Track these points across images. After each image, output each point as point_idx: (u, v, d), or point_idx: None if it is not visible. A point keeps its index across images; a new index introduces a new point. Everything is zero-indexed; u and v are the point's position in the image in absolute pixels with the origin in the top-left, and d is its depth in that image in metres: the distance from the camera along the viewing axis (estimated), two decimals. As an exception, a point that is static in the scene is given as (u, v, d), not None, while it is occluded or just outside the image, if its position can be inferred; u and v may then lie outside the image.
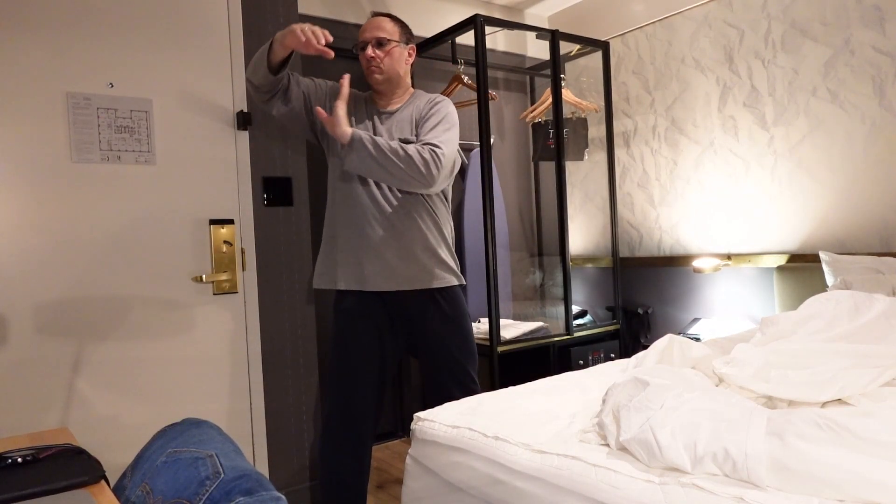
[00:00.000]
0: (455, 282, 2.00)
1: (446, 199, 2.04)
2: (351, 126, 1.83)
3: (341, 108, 1.78)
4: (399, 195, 1.92)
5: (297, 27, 1.72)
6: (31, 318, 1.84)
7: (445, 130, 1.90)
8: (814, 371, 1.43)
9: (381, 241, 1.90)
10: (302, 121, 1.95)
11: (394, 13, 2.05)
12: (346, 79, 1.84)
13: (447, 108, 1.96)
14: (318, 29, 1.74)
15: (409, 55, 2.02)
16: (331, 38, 1.76)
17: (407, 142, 1.88)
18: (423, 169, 1.79)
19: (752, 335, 2.06)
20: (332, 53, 1.77)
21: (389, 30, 1.95)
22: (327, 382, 1.99)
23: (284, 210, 2.29)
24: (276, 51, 1.80)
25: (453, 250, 2.03)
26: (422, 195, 1.94)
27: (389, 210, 1.91)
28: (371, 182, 1.91)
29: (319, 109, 1.78)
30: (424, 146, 1.82)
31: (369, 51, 1.93)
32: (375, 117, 1.97)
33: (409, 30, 2.03)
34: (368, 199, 1.91)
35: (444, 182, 1.91)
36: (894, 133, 2.49)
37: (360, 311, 1.95)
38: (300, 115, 1.93)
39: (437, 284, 1.96)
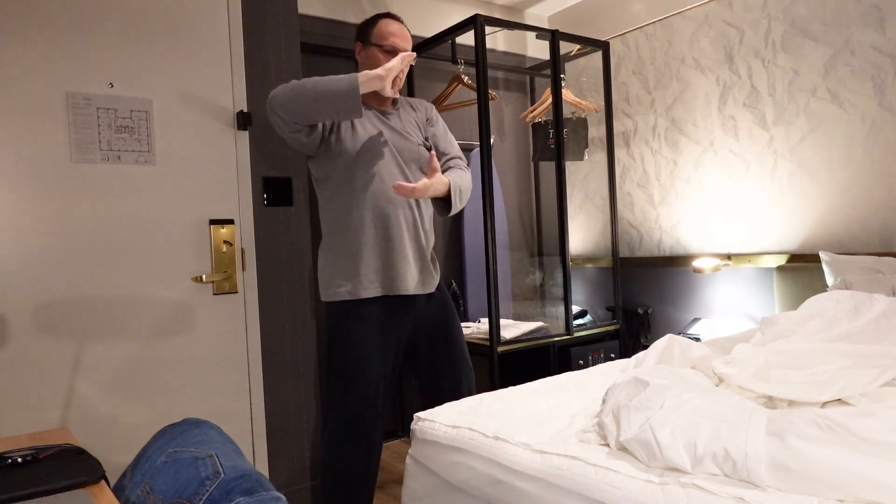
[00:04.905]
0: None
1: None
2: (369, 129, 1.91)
3: (436, 173, 1.84)
4: (422, 202, 1.99)
5: (385, 74, 1.72)
6: (31, 318, 1.84)
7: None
8: (814, 371, 1.43)
9: (411, 247, 1.94)
10: (315, 142, 1.88)
11: (394, 13, 2.06)
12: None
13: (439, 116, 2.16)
14: (398, 62, 1.75)
15: None
16: (413, 56, 1.82)
17: (427, 147, 2.04)
18: (471, 180, 2.04)
19: (752, 335, 2.06)
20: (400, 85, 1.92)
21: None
22: (334, 388, 1.91)
23: (284, 210, 2.29)
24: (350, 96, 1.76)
25: None
26: (425, 201, 2.02)
27: (416, 216, 1.97)
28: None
29: (401, 185, 1.74)
30: (460, 162, 2.08)
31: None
32: (377, 119, 1.97)
33: None
34: (401, 206, 1.93)
35: None
36: (894, 133, 2.49)
37: (381, 319, 1.92)
38: (317, 138, 1.87)
39: (437, 283, 2.09)
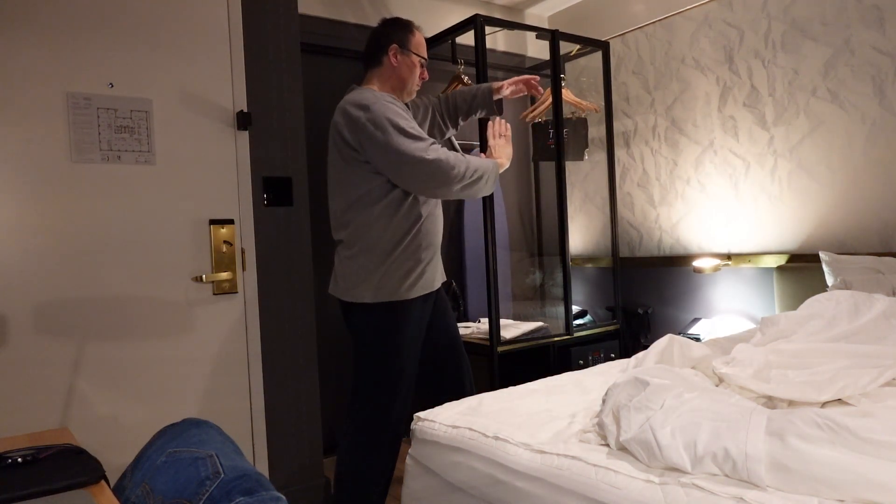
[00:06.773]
0: None
1: None
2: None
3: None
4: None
5: (505, 160, 2.02)
6: (31, 318, 1.84)
7: None
8: (814, 371, 1.43)
9: (440, 246, 2.06)
10: None
11: (394, 14, 2.06)
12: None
13: None
14: (505, 130, 2.06)
15: None
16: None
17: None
18: None
19: (752, 335, 2.06)
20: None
21: None
22: (375, 385, 1.91)
23: (284, 210, 2.29)
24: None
25: None
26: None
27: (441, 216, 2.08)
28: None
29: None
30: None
31: (425, 73, 2.09)
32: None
33: None
34: (440, 209, 2.05)
35: None
36: (894, 133, 2.49)
37: (419, 317, 1.97)
38: None
39: None
